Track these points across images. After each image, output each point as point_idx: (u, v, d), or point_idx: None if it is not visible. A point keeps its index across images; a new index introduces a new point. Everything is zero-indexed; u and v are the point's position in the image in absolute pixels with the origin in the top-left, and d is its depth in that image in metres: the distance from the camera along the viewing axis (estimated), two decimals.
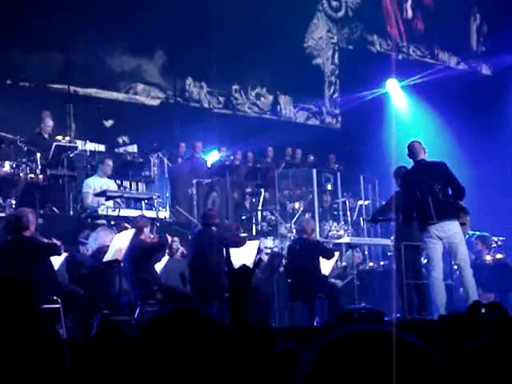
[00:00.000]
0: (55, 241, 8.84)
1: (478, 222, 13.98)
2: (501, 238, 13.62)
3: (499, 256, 12.72)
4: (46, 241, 8.85)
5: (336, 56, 18.48)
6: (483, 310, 5.26)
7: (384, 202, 11.57)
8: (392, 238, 12.13)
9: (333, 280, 12.11)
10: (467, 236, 13.26)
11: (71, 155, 12.26)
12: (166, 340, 1.42)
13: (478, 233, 13.40)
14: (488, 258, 12.64)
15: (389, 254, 13.54)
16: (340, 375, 1.19)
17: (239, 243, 9.96)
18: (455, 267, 13.01)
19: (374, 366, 1.19)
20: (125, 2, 14.95)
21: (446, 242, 8.77)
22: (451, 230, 8.71)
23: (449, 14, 19.24)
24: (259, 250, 10.55)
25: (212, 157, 14.88)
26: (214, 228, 9.96)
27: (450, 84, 17.31)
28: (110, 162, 12.05)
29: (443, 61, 19.29)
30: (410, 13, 19.09)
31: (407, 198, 9.02)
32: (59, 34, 14.55)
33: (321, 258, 10.48)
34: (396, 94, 17.74)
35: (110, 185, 11.88)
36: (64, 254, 9.59)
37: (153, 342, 1.43)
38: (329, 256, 10.68)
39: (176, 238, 11.29)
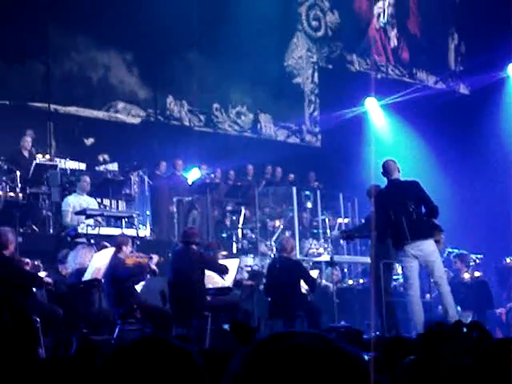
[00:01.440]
0: (36, 263, 8.81)
1: (456, 239, 14.11)
2: (479, 256, 13.73)
3: (477, 274, 12.82)
4: (28, 270, 8.88)
5: (316, 75, 18.61)
6: (465, 330, 5.31)
7: (363, 221, 11.65)
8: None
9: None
10: (445, 254, 13.40)
11: (47, 174, 12.27)
12: (128, 369, 1.45)
13: (456, 251, 13.51)
14: (466, 276, 12.73)
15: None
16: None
17: (221, 271, 9.96)
18: (433, 285, 13.12)
19: (302, 376, 1.20)
20: (104, 14, 15.00)
21: (422, 260, 8.85)
22: (426, 248, 8.79)
23: (427, 34, 19.46)
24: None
25: (192, 175, 14.92)
26: (194, 246, 9.96)
27: (428, 103, 17.47)
28: (87, 178, 12.04)
29: (421, 80, 19.47)
30: (395, 42, 19.35)
31: (381, 217, 9.08)
32: (39, 44, 14.60)
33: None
34: (375, 112, 17.88)
35: (91, 202, 11.87)
36: (43, 273, 9.58)
37: (116, 371, 1.46)
38: (311, 286, 10.65)
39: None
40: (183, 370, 1.47)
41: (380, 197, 9.25)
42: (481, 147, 16.91)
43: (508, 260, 13.82)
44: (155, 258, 9.90)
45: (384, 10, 19.23)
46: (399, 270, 11.61)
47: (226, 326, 8.99)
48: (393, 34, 19.33)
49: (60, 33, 14.99)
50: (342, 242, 14.04)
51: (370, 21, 19.02)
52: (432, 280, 9.51)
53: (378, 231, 9.24)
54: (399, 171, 9.16)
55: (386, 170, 9.15)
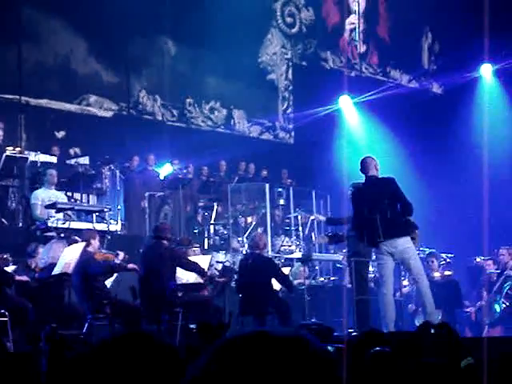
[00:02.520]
0: (4, 256, 8.73)
1: (427, 238, 14.17)
2: (449, 255, 13.80)
3: (447, 273, 12.87)
4: (4, 269, 8.81)
5: (290, 72, 18.60)
6: (432, 331, 5.31)
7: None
8: (344, 251, 12.24)
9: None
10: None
11: (17, 167, 12.13)
12: (113, 363, 1.41)
13: (427, 250, 13.57)
14: (436, 274, 12.78)
15: (338, 265, 13.65)
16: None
17: (192, 268, 9.92)
18: (404, 283, 13.20)
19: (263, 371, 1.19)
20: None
21: (397, 257, 8.83)
22: (402, 245, 8.77)
23: (401, 33, 19.53)
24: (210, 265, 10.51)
25: (165, 170, 14.83)
26: (165, 242, 9.90)
27: (401, 101, 17.54)
28: (53, 172, 11.89)
29: (395, 78, 19.54)
30: (363, 47, 19.38)
31: (356, 214, 9.07)
32: (11, 31, 14.44)
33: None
34: (348, 110, 17.91)
35: (59, 196, 11.73)
36: (12, 267, 9.48)
37: (100, 365, 1.42)
38: (287, 286, 10.64)
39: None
40: (169, 366, 1.44)
41: (356, 194, 9.24)
42: (453, 147, 17.01)
43: (478, 259, 13.90)
44: (121, 254, 9.85)
45: (356, 27, 19.25)
46: (370, 268, 11.65)
47: (193, 326, 8.98)
48: (361, 41, 19.36)
49: (33, 20, 14.82)
50: (314, 239, 14.03)
51: (341, 33, 19.04)
52: (410, 277, 9.52)
53: (354, 228, 9.23)
54: (377, 169, 9.13)
55: (363, 166, 9.14)
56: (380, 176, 9.16)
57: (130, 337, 1.47)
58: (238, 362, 1.19)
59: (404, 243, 8.76)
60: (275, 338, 1.22)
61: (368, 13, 19.40)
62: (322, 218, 12.72)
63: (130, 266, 9.71)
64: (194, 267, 9.91)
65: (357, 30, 19.23)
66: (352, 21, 19.23)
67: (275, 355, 1.19)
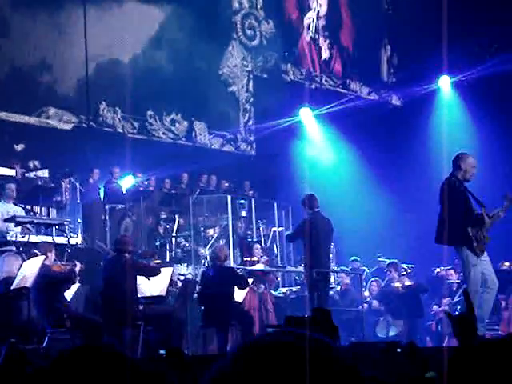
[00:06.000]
0: None
1: (387, 248, 14.28)
2: (410, 266, 13.89)
3: (408, 283, 12.97)
4: None
5: (250, 84, 18.64)
6: (399, 350, 5.35)
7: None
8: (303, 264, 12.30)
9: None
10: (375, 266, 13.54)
11: None
12: (71, 377, 1.40)
13: (388, 260, 13.66)
14: (397, 285, 12.86)
15: (296, 278, 13.71)
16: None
17: (153, 273, 9.87)
18: (366, 293, 13.27)
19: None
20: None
21: None
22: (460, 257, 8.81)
23: (360, 45, 19.69)
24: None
25: (126, 182, 14.74)
26: (127, 255, 9.83)
27: (361, 114, 17.64)
28: (12, 186, 11.62)
29: (355, 91, 19.67)
30: (327, 54, 19.49)
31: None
32: None
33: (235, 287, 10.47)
34: (309, 122, 17.99)
35: (17, 211, 11.52)
36: None
37: (58, 379, 1.40)
38: (243, 286, 10.67)
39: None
40: (128, 378, 1.42)
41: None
42: (412, 158, 17.15)
43: (438, 269, 14.02)
44: (78, 265, 9.77)
45: (313, 21, 19.34)
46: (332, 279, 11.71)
47: (163, 351, 8.91)
48: (325, 46, 19.48)
49: None
50: (276, 251, 14.05)
51: (301, 32, 19.13)
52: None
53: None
54: None
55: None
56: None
57: (87, 350, 1.46)
58: (260, 367, 1.21)
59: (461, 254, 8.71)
60: (298, 345, 1.25)
61: (330, 16, 19.51)
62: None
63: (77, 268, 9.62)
64: (154, 270, 9.91)
65: (313, 24, 19.29)
66: (310, 16, 19.31)
67: (300, 360, 1.22)
